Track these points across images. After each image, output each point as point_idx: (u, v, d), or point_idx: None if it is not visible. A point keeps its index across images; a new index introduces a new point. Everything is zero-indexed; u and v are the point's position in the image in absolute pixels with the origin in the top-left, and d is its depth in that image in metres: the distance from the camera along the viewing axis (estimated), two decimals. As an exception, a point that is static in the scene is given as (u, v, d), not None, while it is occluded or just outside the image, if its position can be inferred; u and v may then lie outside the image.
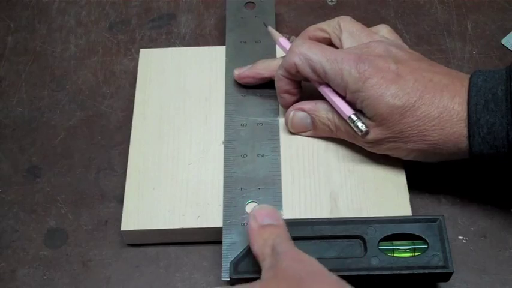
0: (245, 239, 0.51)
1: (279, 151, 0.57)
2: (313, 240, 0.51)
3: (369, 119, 0.53)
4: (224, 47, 0.64)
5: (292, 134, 0.59)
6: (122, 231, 0.54)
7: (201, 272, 0.54)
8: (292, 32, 0.69)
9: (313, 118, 0.57)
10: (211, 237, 0.55)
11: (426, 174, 0.58)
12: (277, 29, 0.66)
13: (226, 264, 0.50)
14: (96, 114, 0.64)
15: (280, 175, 0.56)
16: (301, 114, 0.57)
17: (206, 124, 0.60)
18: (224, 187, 0.55)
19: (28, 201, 0.59)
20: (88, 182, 0.59)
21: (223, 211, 0.54)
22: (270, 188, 0.55)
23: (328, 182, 0.56)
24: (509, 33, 0.68)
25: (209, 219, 0.54)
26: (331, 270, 0.49)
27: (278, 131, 0.58)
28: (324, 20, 0.60)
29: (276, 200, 0.54)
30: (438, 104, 0.51)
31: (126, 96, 0.65)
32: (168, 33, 0.70)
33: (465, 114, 0.51)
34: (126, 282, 0.54)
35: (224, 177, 0.56)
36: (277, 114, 0.59)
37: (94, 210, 0.58)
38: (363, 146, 0.56)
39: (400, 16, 0.71)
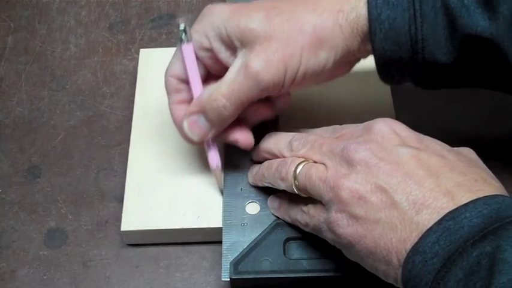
0: (245, 239, 0.51)
1: (279, 151, 0.57)
2: (313, 240, 0.51)
3: None
4: (224, 47, 0.64)
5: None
6: (122, 231, 0.54)
7: (201, 272, 0.54)
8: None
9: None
10: (211, 237, 0.55)
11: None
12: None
13: (226, 264, 0.50)
14: (96, 114, 0.64)
15: (280, 175, 0.56)
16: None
17: (206, 124, 0.60)
18: (224, 187, 0.55)
19: (28, 201, 0.59)
20: (88, 182, 0.59)
21: (223, 211, 0.54)
22: (270, 188, 0.55)
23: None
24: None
25: (209, 219, 0.54)
26: (332, 270, 0.49)
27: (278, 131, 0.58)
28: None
29: (276, 200, 0.54)
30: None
31: (126, 96, 0.65)
32: (168, 33, 0.70)
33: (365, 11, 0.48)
34: (126, 282, 0.54)
35: (224, 177, 0.56)
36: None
37: (94, 210, 0.58)
38: None
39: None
